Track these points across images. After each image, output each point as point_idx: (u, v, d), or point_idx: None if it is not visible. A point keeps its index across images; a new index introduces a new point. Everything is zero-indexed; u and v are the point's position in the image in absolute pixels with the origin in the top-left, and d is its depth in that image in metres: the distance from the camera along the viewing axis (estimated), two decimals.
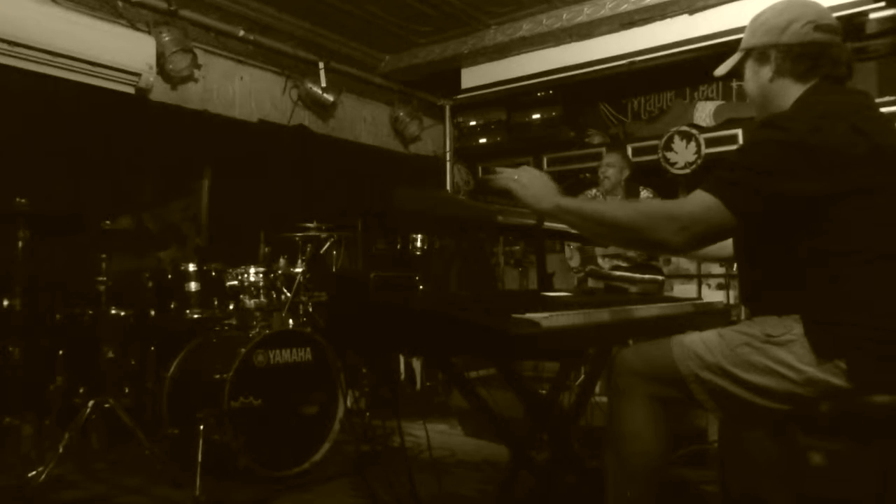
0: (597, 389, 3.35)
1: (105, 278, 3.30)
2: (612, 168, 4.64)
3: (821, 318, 1.63)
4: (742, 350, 1.71)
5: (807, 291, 1.56)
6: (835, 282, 1.61)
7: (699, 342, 1.78)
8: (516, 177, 1.82)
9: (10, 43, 3.82)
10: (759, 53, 1.82)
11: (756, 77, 1.84)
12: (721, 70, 1.94)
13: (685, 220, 1.59)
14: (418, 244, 4.13)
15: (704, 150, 5.18)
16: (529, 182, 1.82)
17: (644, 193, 4.69)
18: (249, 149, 5.08)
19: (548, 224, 2.21)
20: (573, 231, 2.40)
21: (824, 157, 1.56)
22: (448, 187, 6.79)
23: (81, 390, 3.28)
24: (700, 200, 1.60)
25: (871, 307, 1.60)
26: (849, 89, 1.79)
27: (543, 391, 2.88)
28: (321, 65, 5.44)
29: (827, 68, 1.74)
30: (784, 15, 1.76)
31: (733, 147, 5.39)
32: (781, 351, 1.65)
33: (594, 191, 4.83)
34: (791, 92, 1.77)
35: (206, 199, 4.23)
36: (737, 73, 1.91)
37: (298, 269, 3.84)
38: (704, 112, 5.74)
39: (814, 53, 1.73)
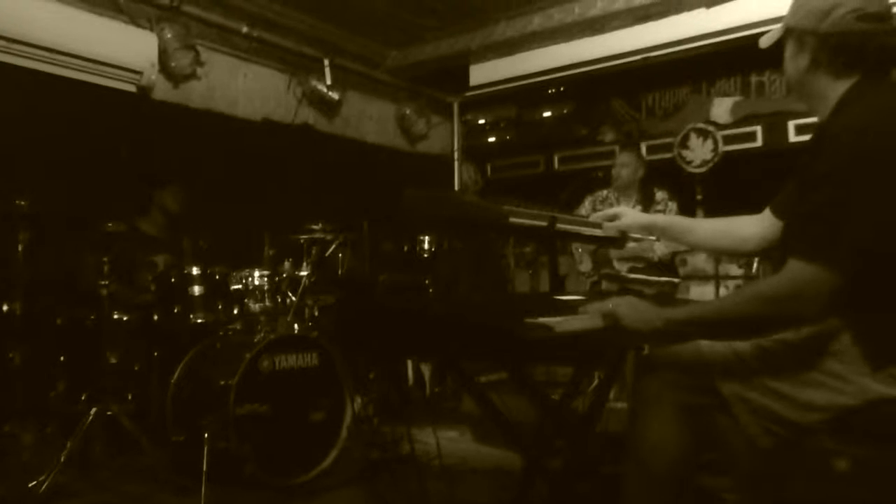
0: (610, 395, 3.26)
1: (107, 282, 3.23)
2: (626, 168, 4.54)
3: (872, 325, 1.52)
4: (787, 363, 1.60)
5: (853, 296, 1.45)
6: (888, 287, 1.50)
7: (731, 351, 1.69)
8: (611, 306, 1.65)
9: (6, 40, 3.78)
10: (797, 37, 1.69)
11: (794, 62, 1.71)
12: (765, 41, 1.80)
13: (810, 294, 1.44)
14: (426, 246, 4.05)
15: (722, 148, 5.08)
16: (630, 308, 1.64)
17: (660, 195, 4.59)
18: (253, 148, 5.03)
19: (560, 226, 2.16)
20: (585, 233, 2.34)
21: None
22: (456, 187, 6.71)
23: (83, 397, 3.25)
24: (810, 272, 1.45)
25: None
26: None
27: (556, 396, 2.81)
28: (326, 62, 5.37)
29: (871, 62, 1.61)
30: None
31: (752, 144, 5.30)
32: (830, 362, 1.55)
33: (605, 191, 4.73)
34: (831, 90, 1.64)
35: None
36: (779, 48, 1.78)
37: (304, 272, 3.77)
38: (722, 108, 5.63)
39: (854, 46, 1.59)
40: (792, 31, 1.71)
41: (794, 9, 1.70)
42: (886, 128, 1.49)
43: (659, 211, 4.50)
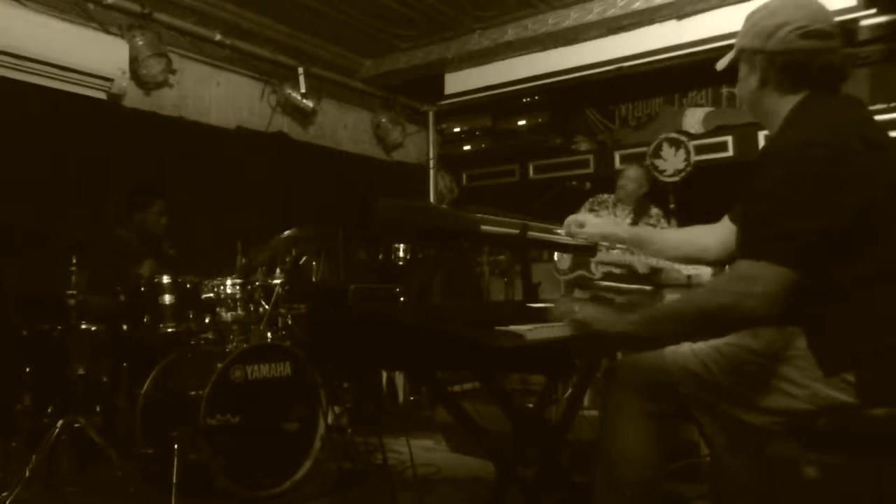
0: (585, 402, 3.27)
1: (75, 292, 3.18)
2: (633, 182, 4.64)
3: (826, 332, 1.56)
4: (746, 368, 1.64)
5: (810, 303, 1.49)
6: (842, 295, 1.53)
7: (693, 358, 1.72)
8: (577, 308, 1.70)
9: None
10: (747, 57, 1.74)
11: (746, 81, 1.75)
12: (721, 64, 1.85)
13: (758, 289, 1.48)
14: (401, 254, 4.04)
15: (694, 158, 5.14)
16: (594, 311, 1.71)
17: (654, 210, 4.66)
18: (227, 156, 4.99)
19: (532, 234, 2.18)
20: (557, 241, 2.35)
21: (851, 178, 1.49)
22: (431, 195, 6.71)
23: (50, 409, 3.18)
24: (757, 268, 1.49)
25: (881, 321, 1.53)
26: (844, 98, 1.69)
27: (531, 404, 2.81)
28: (300, 70, 5.34)
29: (817, 78, 1.65)
30: (775, 17, 1.66)
31: (723, 154, 5.36)
32: (786, 367, 1.58)
33: (606, 196, 4.76)
34: (780, 107, 1.68)
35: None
36: (735, 68, 1.82)
37: (277, 281, 3.73)
38: (694, 119, 5.70)
39: (800, 64, 1.63)
40: (743, 52, 1.75)
41: (745, 30, 1.75)
42: (825, 142, 1.52)
43: (651, 225, 4.56)
